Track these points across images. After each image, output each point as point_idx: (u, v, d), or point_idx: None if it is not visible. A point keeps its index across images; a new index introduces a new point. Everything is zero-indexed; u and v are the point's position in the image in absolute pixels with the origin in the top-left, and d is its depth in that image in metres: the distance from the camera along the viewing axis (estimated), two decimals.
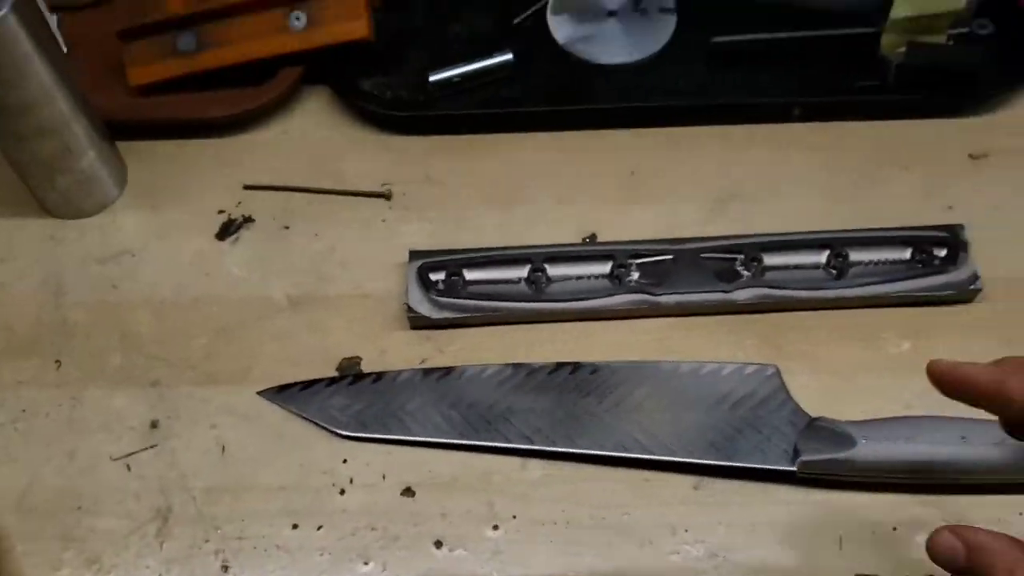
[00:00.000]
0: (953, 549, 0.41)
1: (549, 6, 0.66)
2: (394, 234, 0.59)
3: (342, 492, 0.51)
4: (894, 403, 0.51)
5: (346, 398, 0.53)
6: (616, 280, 0.56)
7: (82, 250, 0.60)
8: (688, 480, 0.50)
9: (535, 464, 0.51)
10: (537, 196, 0.60)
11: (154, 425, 0.53)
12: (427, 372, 0.54)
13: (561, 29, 0.65)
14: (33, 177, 0.59)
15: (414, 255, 0.57)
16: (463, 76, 0.63)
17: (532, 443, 0.51)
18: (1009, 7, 0.63)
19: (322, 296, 0.57)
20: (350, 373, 0.54)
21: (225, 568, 0.49)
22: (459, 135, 0.63)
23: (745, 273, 0.56)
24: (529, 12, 0.66)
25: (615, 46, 0.65)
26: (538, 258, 0.56)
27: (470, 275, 0.56)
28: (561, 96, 0.63)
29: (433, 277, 0.56)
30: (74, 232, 0.60)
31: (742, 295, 0.55)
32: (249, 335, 0.56)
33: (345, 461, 0.52)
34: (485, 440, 0.52)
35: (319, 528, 0.50)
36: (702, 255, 0.56)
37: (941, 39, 0.61)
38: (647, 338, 0.55)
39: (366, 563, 0.49)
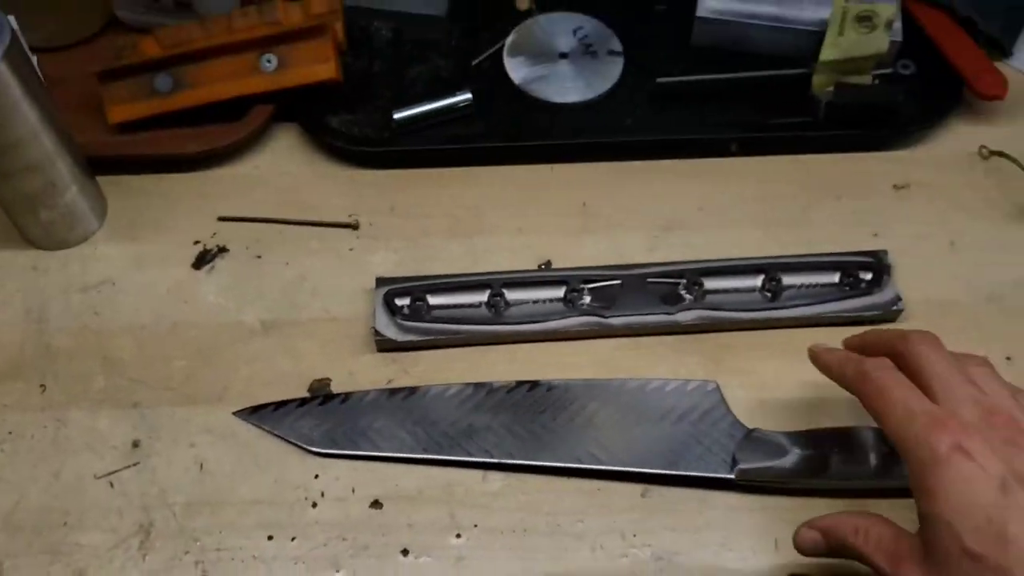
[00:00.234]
0: (813, 539, 0.45)
1: (505, 48, 0.68)
2: (361, 262, 0.60)
3: (314, 505, 0.52)
4: (823, 416, 0.53)
5: (317, 417, 0.54)
6: (569, 304, 0.57)
7: (64, 279, 0.60)
8: (637, 488, 0.51)
9: (495, 476, 0.52)
10: (496, 226, 0.61)
11: (136, 444, 0.54)
12: (393, 392, 0.54)
13: (517, 70, 0.67)
14: (18, 211, 0.59)
15: (380, 282, 0.57)
16: (425, 114, 0.64)
17: (492, 457, 0.52)
18: (928, 49, 0.66)
19: (294, 321, 0.58)
20: (320, 394, 0.55)
21: None
22: (422, 169, 0.64)
23: (687, 296, 0.57)
24: (487, 54, 0.68)
25: (567, 86, 0.66)
26: (497, 284, 0.57)
27: (433, 300, 0.57)
28: (517, 132, 0.64)
29: (399, 302, 0.57)
30: (57, 263, 0.60)
31: (685, 317, 0.56)
32: (225, 358, 0.56)
33: (317, 476, 0.52)
34: (448, 455, 0.52)
35: (293, 539, 0.51)
36: (648, 280, 0.57)
37: (867, 79, 0.63)
38: (598, 357, 0.56)
39: (338, 571, 0.50)
